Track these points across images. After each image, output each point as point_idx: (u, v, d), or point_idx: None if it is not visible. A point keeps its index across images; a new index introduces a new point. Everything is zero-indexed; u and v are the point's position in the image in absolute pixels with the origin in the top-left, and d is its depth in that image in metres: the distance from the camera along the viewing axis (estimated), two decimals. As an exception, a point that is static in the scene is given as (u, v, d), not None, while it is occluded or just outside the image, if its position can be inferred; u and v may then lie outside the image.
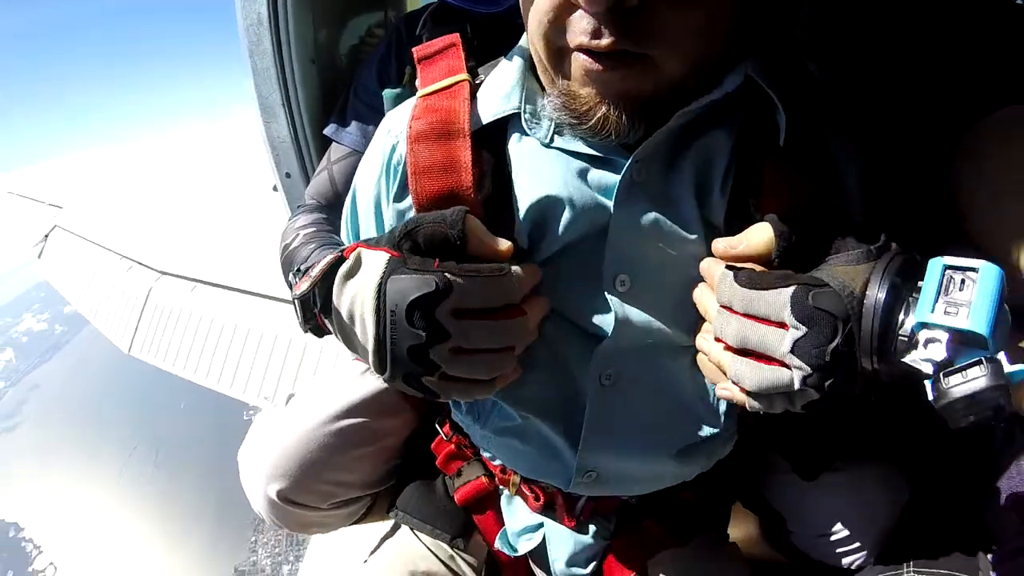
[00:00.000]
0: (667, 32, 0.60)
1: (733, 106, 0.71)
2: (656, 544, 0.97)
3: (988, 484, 0.98)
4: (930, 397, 0.55)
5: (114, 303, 3.78)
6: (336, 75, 1.51)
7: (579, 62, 0.64)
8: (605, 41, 0.60)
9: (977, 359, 0.53)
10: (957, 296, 0.54)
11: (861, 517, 1.02)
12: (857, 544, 1.03)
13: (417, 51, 0.84)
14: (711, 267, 0.70)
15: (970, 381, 0.53)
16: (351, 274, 0.69)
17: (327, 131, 1.33)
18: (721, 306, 0.67)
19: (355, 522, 1.23)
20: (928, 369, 0.55)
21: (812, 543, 1.07)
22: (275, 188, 1.63)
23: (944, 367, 0.54)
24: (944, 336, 0.54)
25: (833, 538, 1.04)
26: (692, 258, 0.72)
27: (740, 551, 1.07)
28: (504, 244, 0.69)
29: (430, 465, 1.10)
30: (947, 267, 0.56)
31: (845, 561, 1.04)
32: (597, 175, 0.72)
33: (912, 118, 1.00)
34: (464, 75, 0.78)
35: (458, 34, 0.83)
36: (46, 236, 4.85)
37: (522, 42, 0.79)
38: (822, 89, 0.77)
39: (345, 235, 0.94)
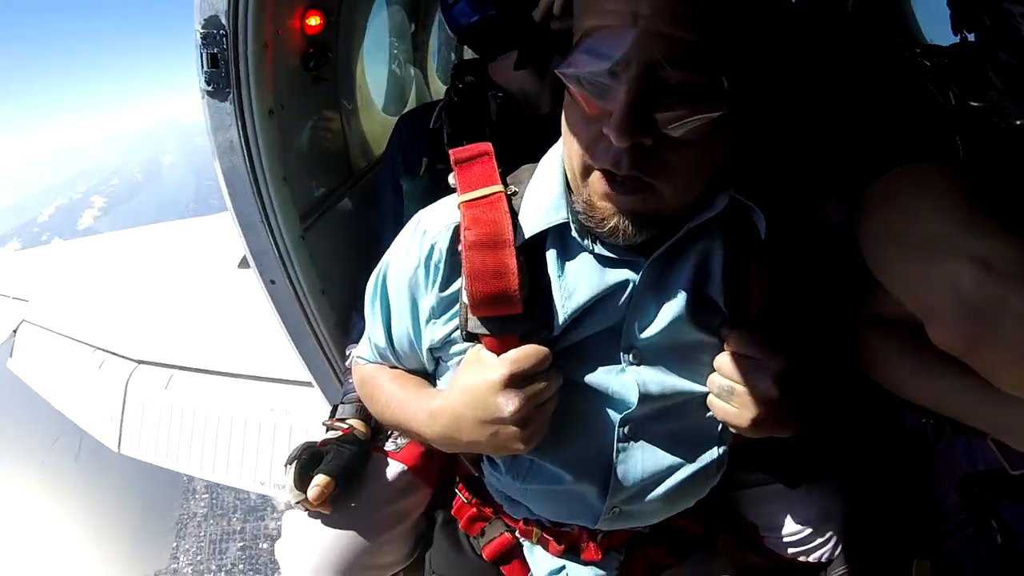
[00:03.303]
0: (668, 168, 0.78)
1: (721, 216, 0.90)
2: (658, 567, 1.19)
3: (930, 473, 1.13)
4: None
5: (94, 398, 3.72)
6: (308, 186, 1.63)
7: (600, 182, 0.81)
8: (623, 170, 0.77)
9: None
10: None
11: (819, 517, 1.24)
12: (820, 540, 1.24)
13: (454, 154, 0.97)
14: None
15: None
16: None
17: None
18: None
19: None
20: None
21: (782, 543, 1.27)
22: (241, 264, 1.74)
23: None
24: None
25: (798, 537, 1.24)
26: (688, 330, 0.93)
27: (729, 563, 1.26)
28: None
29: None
30: None
31: (813, 556, 1.25)
32: (622, 274, 0.91)
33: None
34: (500, 187, 0.94)
35: (490, 144, 0.98)
36: (14, 332, 4.74)
37: (555, 156, 0.95)
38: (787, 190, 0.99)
39: (370, 315, 1.10)
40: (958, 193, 0.90)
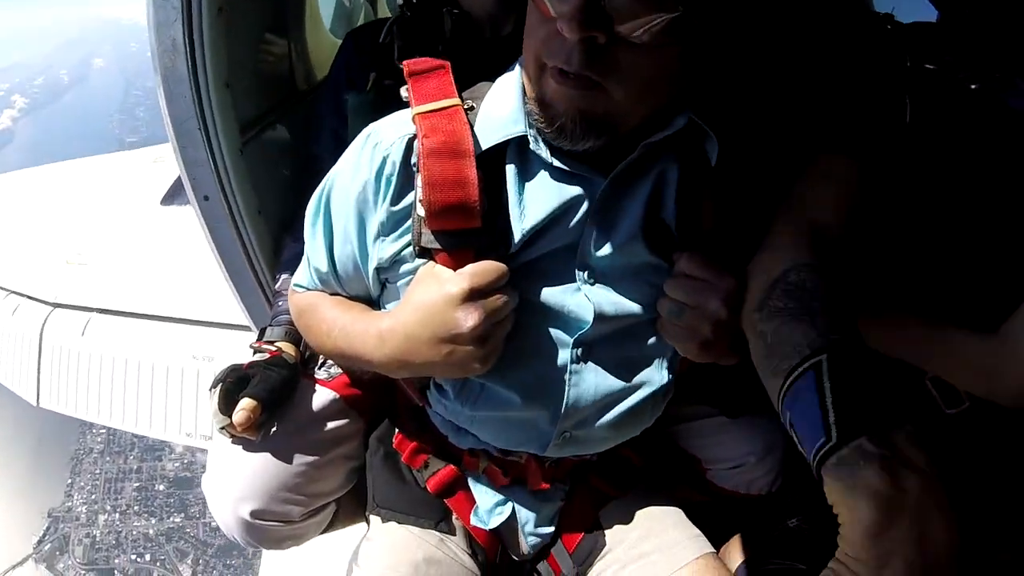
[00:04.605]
0: (620, 71, 0.76)
1: (680, 141, 0.91)
2: (604, 498, 1.19)
3: None
4: None
5: (9, 348, 3.46)
6: (250, 97, 1.54)
7: (553, 79, 0.79)
8: (574, 67, 0.75)
9: None
10: None
11: (761, 450, 1.25)
12: (761, 472, 1.26)
13: (408, 65, 0.93)
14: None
15: None
16: None
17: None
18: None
19: (324, 530, 1.33)
20: None
21: (724, 475, 1.29)
22: (164, 201, 1.63)
23: None
24: None
25: (740, 469, 1.26)
26: (641, 251, 0.94)
27: (671, 496, 1.23)
28: None
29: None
30: None
31: (755, 488, 1.27)
32: (579, 191, 0.90)
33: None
34: (456, 100, 0.90)
35: (448, 62, 0.94)
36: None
37: (513, 73, 0.93)
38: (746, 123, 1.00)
39: (310, 237, 1.04)
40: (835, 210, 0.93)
